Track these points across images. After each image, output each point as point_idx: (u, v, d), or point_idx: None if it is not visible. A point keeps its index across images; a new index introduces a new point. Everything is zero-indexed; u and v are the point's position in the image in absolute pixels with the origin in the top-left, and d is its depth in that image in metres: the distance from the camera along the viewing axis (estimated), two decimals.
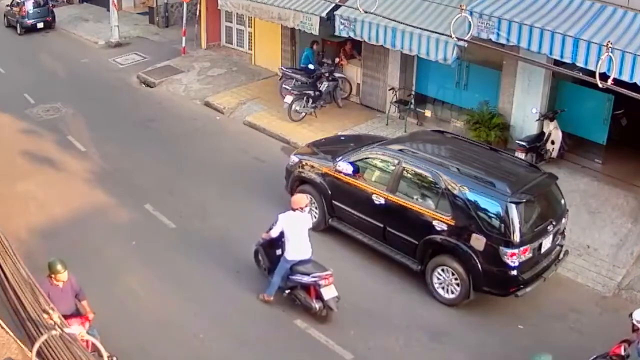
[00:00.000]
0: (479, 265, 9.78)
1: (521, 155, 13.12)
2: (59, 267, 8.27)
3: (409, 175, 10.75)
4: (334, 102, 17.39)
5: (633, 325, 8.14)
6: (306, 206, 10.08)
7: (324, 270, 9.71)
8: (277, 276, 9.95)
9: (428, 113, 16.18)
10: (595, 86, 6.87)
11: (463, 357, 9.30)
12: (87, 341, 7.55)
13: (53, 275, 8.28)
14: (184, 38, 21.91)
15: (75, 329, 7.76)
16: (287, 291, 10.06)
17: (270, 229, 10.07)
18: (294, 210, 9.87)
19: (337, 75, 17.34)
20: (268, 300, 10.16)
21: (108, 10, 24.58)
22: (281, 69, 17.98)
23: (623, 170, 13.46)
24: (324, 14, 15.20)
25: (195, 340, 9.59)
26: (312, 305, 9.78)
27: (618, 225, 12.04)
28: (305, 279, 9.74)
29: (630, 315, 8.23)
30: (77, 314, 8.53)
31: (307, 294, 9.89)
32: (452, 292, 10.19)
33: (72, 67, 21.79)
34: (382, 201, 10.84)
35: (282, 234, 9.94)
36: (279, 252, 10.13)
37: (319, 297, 9.71)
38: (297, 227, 9.80)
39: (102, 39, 24.32)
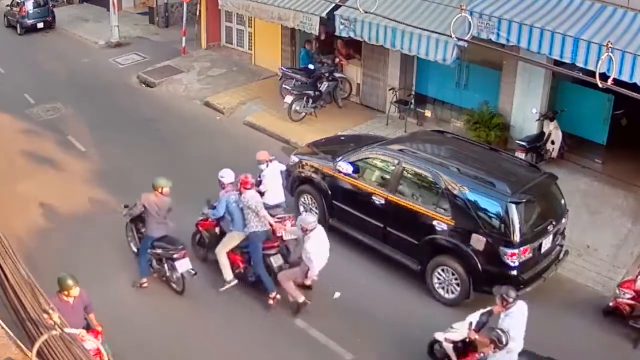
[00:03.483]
0: (479, 265, 9.79)
1: (521, 155, 13.12)
2: (70, 282, 7.89)
3: (409, 175, 10.76)
4: (334, 102, 17.40)
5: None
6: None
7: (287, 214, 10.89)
8: None
9: (428, 113, 16.18)
10: (595, 86, 6.88)
11: None
12: (98, 352, 7.54)
13: (66, 292, 7.90)
14: (184, 38, 21.91)
15: (89, 344, 7.44)
16: None
17: (258, 184, 11.03)
18: (267, 163, 11.18)
19: (337, 75, 17.36)
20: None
21: (108, 10, 24.56)
22: (281, 69, 18.00)
23: (623, 170, 13.46)
24: (324, 14, 15.21)
25: (195, 340, 9.60)
26: None
27: (618, 225, 12.04)
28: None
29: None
30: (87, 328, 8.13)
31: (273, 235, 10.48)
32: (452, 292, 10.19)
33: (72, 67, 21.78)
34: (382, 201, 10.84)
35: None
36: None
37: (281, 238, 10.50)
38: (274, 175, 11.23)
39: (102, 39, 24.29)
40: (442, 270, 10.22)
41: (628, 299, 9.49)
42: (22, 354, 6.10)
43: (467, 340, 8.44)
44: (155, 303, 10.34)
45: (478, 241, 9.76)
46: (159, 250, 10.31)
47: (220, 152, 15.46)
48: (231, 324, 9.94)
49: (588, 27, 11.31)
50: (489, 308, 8.54)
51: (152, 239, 10.31)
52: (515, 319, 8.10)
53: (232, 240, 10.24)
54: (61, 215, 12.73)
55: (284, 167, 11.74)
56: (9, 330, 6.47)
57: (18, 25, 26.03)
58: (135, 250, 11.04)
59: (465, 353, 8.59)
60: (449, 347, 8.70)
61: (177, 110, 18.09)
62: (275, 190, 11.23)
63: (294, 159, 12.50)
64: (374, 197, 10.96)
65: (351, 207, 11.41)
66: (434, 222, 10.19)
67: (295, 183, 12.32)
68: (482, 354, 8.00)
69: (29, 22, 25.73)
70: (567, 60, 11.33)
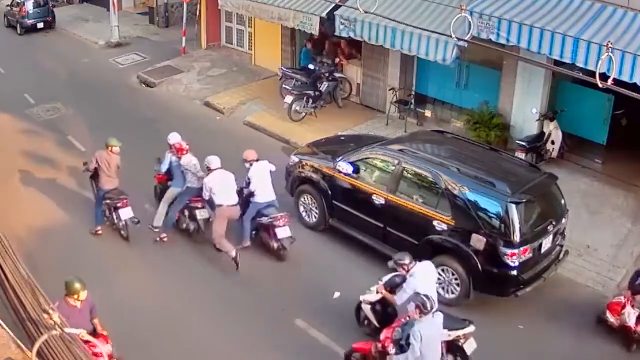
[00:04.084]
0: (479, 265, 9.79)
1: (521, 155, 13.12)
2: (78, 285, 7.78)
3: (409, 175, 10.76)
4: (334, 102, 17.40)
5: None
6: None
7: (280, 212, 11.17)
8: (247, 221, 11.31)
9: (428, 113, 16.18)
10: (595, 86, 6.88)
11: None
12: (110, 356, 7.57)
13: (75, 296, 7.78)
14: (184, 38, 21.91)
15: (104, 348, 7.56)
16: (253, 232, 11.41)
17: (247, 185, 11.39)
18: (251, 163, 11.39)
19: (337, 75, 17.36)
20: (247, 246, 11.29)
21: (108, 10, 24.56)
22: (281, 69, 18.01)
23: (623, 170, 13.46)
24: (324, 14, 15.22)
25: (195, 339, 9.61)
26: (270, 244, 11.18)
27: (618, 225, 12.05)
28: (264, 220, 11.14)
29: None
30: (92, 333, 7.97)
31: (267, 234, 11.23)
32: (452, 292, 10.19)
33: (72, 67, 21.78)
34: (382, 201, 10.85)
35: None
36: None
37: (276, 237, 11.04)
38: (262, 174, 11.35)
39: (102, 39, 24.30)
40: (442, 270, 10.20)
41: (616, 326, 9.42)
42: (22, 354, 6.09)
43: (382, 301, 8.87)
44: (155, 301, 10.35)
45: (478, 241, 9.76)
46: (107, 201, 11.77)
47: (220, 152, 15.35)
48: (231, 323, 9.95)
49: (588, 27, 11.31)
50: (401, 271, 8.81)
51: (104, 191, 11.75)
52: (418, 278, 8.39)
53: (170, 194, 11.83)
54: (61, 215, 12.73)
55: (273, 167, 11.67)
56: (9, 330, 6.46)
57: (18, 25, 26.03)
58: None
59: (383, 314, 8.93)
60: (367, 309, 9.08)
61: (177, 110, 18.08)
62: (263, 189, 11.32)
63: (294, 159, 12.51)
64: (374, 197, 10.96)
65: (351, 207, 11.41)
66: (434, 222, 10.19)
67: (295, 183, 12.33)
68: (407, 318, 8.05)
69: (29, 22, 25.73)
70: (567, 60, 11.33)
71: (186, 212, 11.75)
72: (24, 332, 7.01)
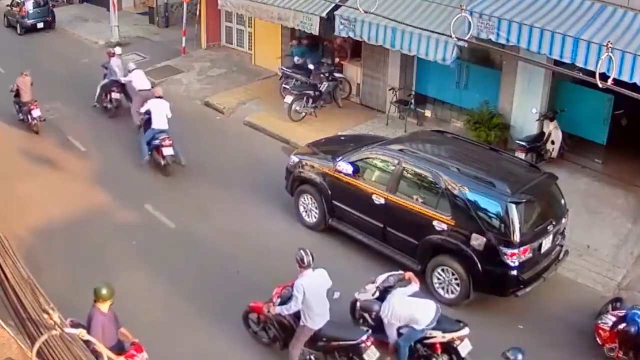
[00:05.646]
0: (479, 265, 9.79)
1: (521, 155, 13.13)
2: (107, 291, 7.61)
3: (409, 175, 10.76)
4: (334, 102, 17.40)
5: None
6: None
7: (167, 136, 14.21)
8: (144, 143, 14.48)
9: (428, 113, 16.18)
10: (595, 86, 6.88)
11: None
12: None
13: (111, 302, 7.62)
14: (184, 38, 21.91)
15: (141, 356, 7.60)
16: (149, 153, 14.42)
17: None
18: (157, 97, 14.78)
19: (337, 75, 17.35)
20: (147, 159, 14.44)
21: (108, 10, 24.53)
22: (281, 68, 18.00)
23: (623, 170, 13.47)
24: (324, 14, 15.22)
25: (194, 339, 9.61)
26: (159, 161, 14.21)
27: (618, 225, 12.05)
28: (156, 142, 14.18)
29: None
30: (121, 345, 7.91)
31: (157, 153, 14.25)
32: (452, 292, 10.19)
33: (72, 67, 21.75)
34: (382, 201, 10.85)
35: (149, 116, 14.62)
36: None
37: (162, 154, 14.08)
38: (159, 108, 14.53)
39: (102, 39, 24.28)
40: (442, 270, 10.23)
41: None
42: (22, 354, 6.09)
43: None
44: (155, 302, 10.39)
45: (478, 241, 9.77)
46: (24, 107, 16.37)
47: (220, 152, 15.48)
48: (230, 323, 9.96)
49: (588, 27, 11.32)
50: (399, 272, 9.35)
51: (23, 102, 16.37)
52: (396, 305, 8.70)
53: (103, 81, 17.39)
54: (61, 215, 12.72)
55: (169, 114, 14.57)
56: (9, 330, 6.46)
57: (18, 25, 25.97)
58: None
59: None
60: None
61: (177, 110, 17.91)
62: (159, 119, 14.38)
63: (294, 159, 12.50)
64: (374, 197, 10.96)
65: (351, 207, 11.41)
66: (434, 222, 10.19)
67: (295, 183, 12.32)
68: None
69: (29, 22, 25.66)
70: (567, 60, 11.33)
71: (109, 95, 17.10)
72: (24, 332, 7.01)
